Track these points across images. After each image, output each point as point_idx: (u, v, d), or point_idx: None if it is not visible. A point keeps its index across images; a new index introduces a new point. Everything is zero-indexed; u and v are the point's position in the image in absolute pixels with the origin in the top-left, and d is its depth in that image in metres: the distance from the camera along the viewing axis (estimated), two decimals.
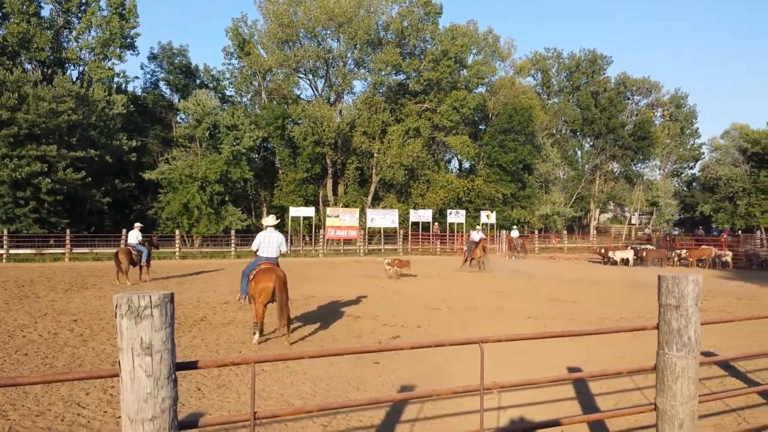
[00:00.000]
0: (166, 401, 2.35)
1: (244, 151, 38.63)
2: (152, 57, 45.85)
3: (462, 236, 41.02)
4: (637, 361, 3.04)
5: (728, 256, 28.15)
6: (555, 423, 3.23)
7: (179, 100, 42.66)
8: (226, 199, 38.08)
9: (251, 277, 9.70)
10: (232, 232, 34.85)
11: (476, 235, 26.26)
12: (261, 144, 43.26)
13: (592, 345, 9.12)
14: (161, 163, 38.09)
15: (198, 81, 46.90)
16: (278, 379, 7.35)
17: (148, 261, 19.19)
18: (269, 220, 10.36)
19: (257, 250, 10.06)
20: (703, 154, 68.96)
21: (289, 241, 36.52)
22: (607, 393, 6.76)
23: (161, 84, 47.13)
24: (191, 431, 2.67)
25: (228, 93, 47.84)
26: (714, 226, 58.10)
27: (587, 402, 6.50)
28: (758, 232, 50.37)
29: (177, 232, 33.51)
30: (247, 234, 38.06)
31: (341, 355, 8.34)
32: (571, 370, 7.64)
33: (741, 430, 5.10)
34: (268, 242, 10.03)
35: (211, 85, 46.56)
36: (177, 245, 32.17)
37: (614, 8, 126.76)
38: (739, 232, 49.56)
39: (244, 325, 11.19)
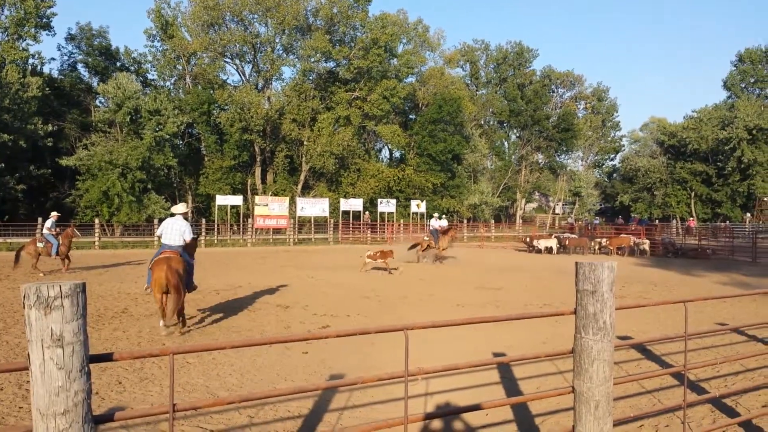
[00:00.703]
0: (78, 395, 2.20)
1: (168, 137, 37.44)
2: (70, 38, 43.79)
3: (392, 225, 41.31)
4: (560, 346, 3.11)
5: (646, 244, 29.45)
6: (478, 407, 3.24)
7: (98, 84, 40.88)
8: (149, 186, 36.91)
9: (151, 266, 9.51)
10: (155, 221, 33.74)
11: (437, 222, 24.18)
12: (185, 130, 42.08)
13: (517, 331, 9.30)
14: (79, 148, 36.48)
15: (119, 64, 45.09)
16: (204, 372, 7.13)
17: (57, 253, 18.08)
18: (178, 207, 10.20)
19: (161, 237, 9.90)
20: (623, 146, 72.05)
21: (216, 230, 36.03)
22: (531, 377, 6.88)
23: (79, 66, 45.16)
24: (108, 425, 2.50)
25: (150, 77, 46.23)
26: (632, 215, 60.87)
27: (511, 386, 6.60)
28: (674, 222, 53.12)
29: (96, 220, 32.17)
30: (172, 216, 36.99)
31: (266, 345, 8.21)
32: (497, 355, 7.75)
33: (655, 410, 5.29)
34: (171, 230, 9.75)
35: (133, 68, 44.83)
36: (96, 234, 30.92)
37: (540, 2, 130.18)
38: (656, 221, 52.09)
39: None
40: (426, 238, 24.02)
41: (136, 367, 7.18)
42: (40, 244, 17.81)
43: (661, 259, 27.71)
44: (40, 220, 29.11)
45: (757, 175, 55.08)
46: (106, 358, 2.57)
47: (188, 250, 10.12)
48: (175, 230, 9.75)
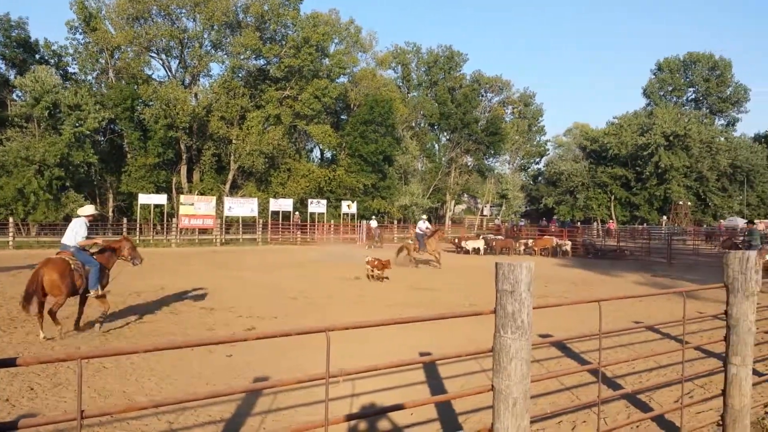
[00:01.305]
0: None
1: (88, 133, 35.91)
2: None
3: (323, 226, 41.05)
4: (484, 345, 3.13)
5: (568, 246, 30.43)
6: (401, 407, 3.21)
7: (15, 77, 38.67)
8: (68, 184, 35.31)
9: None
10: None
11: (423, 225, 23.17)
12: (107, 126, 40.44)
13: (444, 331, 9.38)
14: None
15: (38, 56, 42.78)
16: (121, 376, 6.88)
17: None
18: (83, 209, 10.05)
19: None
20: (548, 150, 74.40)
21: (138, 230, 34.78)
22: (456, 376, 6.94)
23: None
24: None
25: (71, 70, 44.13)
26: (556, 217, 62.82)
27: (437, 385, 6.65)
28: (595, 224, 55.17)
29: (11, 219, 30.46)
30: (91, 222, 35.50)
31: (189, 348, 7.96)
32: (423, 355, 7.79)
33: (573, 406, 5.43)
34: (68, 230, 9.67)
35: (53, 61, 42.68)
36: (11, 234, 29.30)
37: (471, 8, 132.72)
38: (578, 223, 53.95)
39: (86, 319, 10.34)
40: (410, 241, 23.65)
41: (49, 373, 6.89)
42: None
43: (582, 259, 28.69)
44: None
45: (673, 180, 57.98)
46: (9, 363, 2.41)
47: (119, 253, 10.14)
48: (70, 230, 9.63)
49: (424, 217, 25.07)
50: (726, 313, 4.57)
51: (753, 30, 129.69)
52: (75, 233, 9.52)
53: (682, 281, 18.22)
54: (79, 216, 9.83)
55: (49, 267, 8.99)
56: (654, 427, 5.37)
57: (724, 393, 4.59)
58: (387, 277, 17.35)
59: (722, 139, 62.47)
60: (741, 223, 49.96)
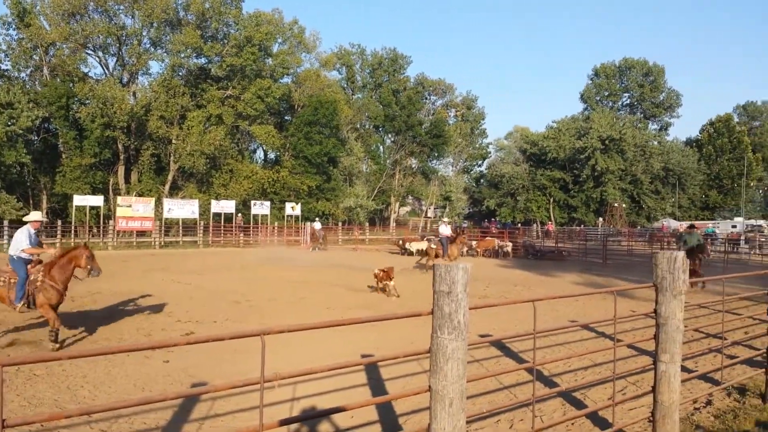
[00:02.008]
0: None
1: (21, 132, 34.43)
2: None
3: (266, 228, 40.55)
4: (425, 346, 3.17)
5: (509, 247, 31.02)
6: (341, 409, 3.22)
7: None
8: None
9: None
10: (5, 223, 30.91)
11: (446, 229, 21.78)
12: (41, 125, 38.86)
13: (386, 333, 9.43)
14: None
15: None
16: (53, 384, 6.66)
17: None
18: (30, 215, 9.80)
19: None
20: (490, 153, 75.54)
21: (73, 232, 33.58)
22: (397, 377, 6.99)
23: None
24: None
25: (3, 67, 42.18)
26: (497, 219, 63.87)
27: (378, 387, 6.68)
28: (534, 225, 56.38)
29: None
30: (22, 224, 34.07)
31: (124, 354, 7.76)
32: (365, 357, 7.82)
33: (510, 404, 5.54)
34: (13, 239, 9.39)
35: None
36: None
37: (414, 10, 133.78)
38: (519, 224, 55.03)
39: (10, 326, 9.97)
40: (433, 246, 21.94)
41: None
42: None
43: (523, 260, 29.28)
44: None
45: (609, 183, 59.79)
46: None
47: (75, 263, 9.36)
48: (15, 240, 9.31)
49: (446, 220, 23.69)
50: (655, 311, 4.72)
51: (685, 36, 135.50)
52: (17, 241, 9.19)
53: (616, 281, 18.82)
54: (24, 223, 9.53)
55: None
56: (588, 423, 5.53)
57: (654, 390, 4.75)
58: (396, 294, 14.71)
59: (655, 143, 64.79)
60: (674, 224, 52.06)
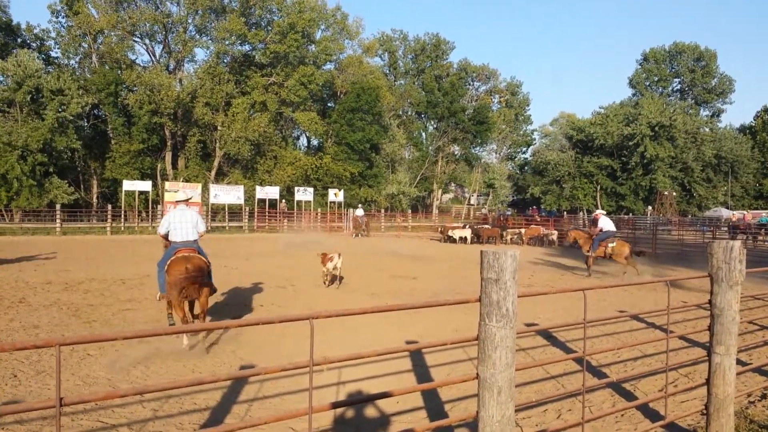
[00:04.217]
0: None
1: (71, 118, 35.53)
2: None
3: (309, 214, 40.89)
4: (470, 334, 3.13)
5: (554, 235, 30.55)
6: (387, 395, 3.19)
7: None
8: (51, 170, 34.96)
9: (167, 268, 7.92)
10: (58, 207, 31.96)
11: (608, 224, 17.39)
12: (91, 111, 40.06)
13: (429, 320, 9.38)
14: None
15: (19, 40, 42.17)
16: (106, 365, 6.81)
17: None
18: (178, 195, 8.69)
19: (167, 235, 8.29)
20: (534, 139, 74.44)
21: (123, 217, 34.48)
22: (442, 364, 6.93)
23: None
24: (2, 420, 2.26)
25: (54, 54, 43.57)
26: (542, 207, 62.97)
27: (423, 374, 6.64)
28: (580, 214, 55.43)
29: None
30: (75, 209, 35.20)
31: (174, 336, 7.91)
32: (409, 343, 7.78)
33: (558, 394, 5.44)
34: (181, 223, 8.18)
35: (35, 44, 42.11)
36: None
37: None
38: (564, 213, 54.19)
39: (69, 306, 10.29)
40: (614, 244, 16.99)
41: (33, 360, 6.85)
42: None
43: (568, 249, 28.77)
44: None
45: (658, 170, 58.28)
46: None
47: None
48: (186, 222, 8.24)
49: (603, 212, 19.41)
50: (710, 302, 4.57)
51: (738, 20, 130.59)
52: (194, 225, 8.37)
53: (666, 271, 18.35)
54: (177, 203, 8.58)
55: (196, 263, 7.86)
56: (639, 415, 5.39)
57: (708, 382, 4.60)
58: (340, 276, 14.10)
59: (707, 129, 62.87)
60: (726, 213, 50.44)
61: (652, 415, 5.33)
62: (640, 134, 57.61)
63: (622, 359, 7.34)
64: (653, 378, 6.44)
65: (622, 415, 5.37)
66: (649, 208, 56.88)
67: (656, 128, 57.46)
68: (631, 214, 56.86)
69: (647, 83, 69.06)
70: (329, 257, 13.53)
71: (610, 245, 16.33)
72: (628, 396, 5.94)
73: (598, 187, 62.22)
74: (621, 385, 6.24)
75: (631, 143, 58.82)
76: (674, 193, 58.05)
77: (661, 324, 9.15)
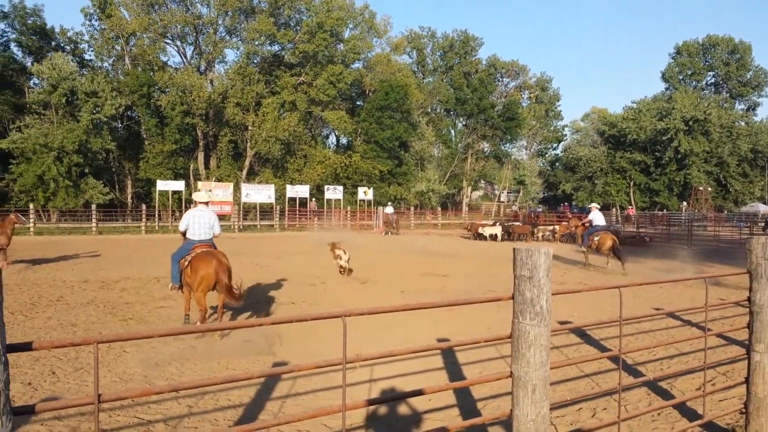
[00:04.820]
0: None
1: (106, 119, 36.28)
2: (2, 16, 41.49)
3: (339, 212, 41.06)
4: (502, 331, 3.12)
5: None
6: (420, 392, 3.19)
7: (32, 64, 38.91)
8: (86, 171, 35.72)
9: (186, 263, 8.39)
10: (93, 207, 32.64)
11: (600, 218, 18.40)
12: (124, 113, 40.82)
13: (461, 317, 9.34)
14: (12, 131, 34.87)
15: (54, 43, 43.12)
16: (142, 361, 6.95)
17: None
18: (201, 195, 9.06)
19: (185, 232, 8.76)
20: (565, 135, 73.53)
21: (157, 216, 35.07)
22: (474, 362, 6.92)
23: (12, 46, 42.87)
24: (40, 416, 2.32)
25: (87, 57, 44.43)
26: (573, 203, 62.21)
27: (455, 372, 6.62)
28: (613, 210, 54.64)
29: (31, 206, 31.01)
30: (110, 209, 35.91)
31: (209, 334, 8.02)
32: (440, 341, 7.77)
33: (593, 393, 5.37)
34: (199, 223, 8.68)
35: (69, 48, 42.99)
36: (32, 220, 29.76)
37: None
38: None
39: (105, 305, 10.51)
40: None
41: (71, 357, 6.99)
42: None
43: None
44: None
45: (693, 165, 57.15)
46: (25, 347, 2.41)
47: None
48: (203, 223, 8.72)
49: (596, 206, 19.38)
50: (749, 299, 4.48)
51: None
52: (210, 225, 8.85)
53: (702, 267, 17.99)
54: (198, 203, 8.97)
55: (222, 261, 8.36)
56: (675, 414, 5.30)
57: (747, 381, 4.51)
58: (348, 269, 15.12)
59: (743, 123, 61.41)
60: (763, 209, 49.25)
61: (690, 414, 5.24)
62: (673, 129, 56.57)
63: (657, 357, 7.23)
64: (690, 376, 6.34)
65: (659, 414, 5.29)
66: (684, 203, 55.81)
67: (690, 122, 56.34)
68: (665, 210, 55.85)
69: (680, 77, 67.64)
70: (337, 253, 15.03)
71: (596, 238, 17.66)
72: (665, 395, 5.84)
73: (631, 183, 61.26)
74: (657, 383, 6.14)
75: (664, 138, 57.78)
76: (709, 189, 56.81)
77: (698, 321, 8.98)
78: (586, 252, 18.34)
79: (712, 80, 68.34)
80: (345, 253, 15.06)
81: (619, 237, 31.06)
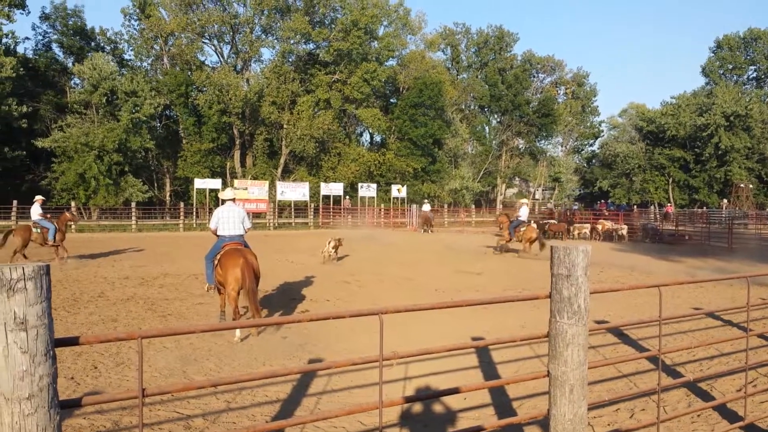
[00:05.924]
0: (44, 379, 2.14)
1: (145, 118, 37.02)
2: (44, 17, 42.69)
3: (373, 210, 41.18)
4: (537, 330, 3.12)
5: (624, 230, 29.68)
6: (456, 390, 3.22)
7: (74, 64, 39.90)
8: (126, 169, 36.46)
9: (216, 262, 8.51)
10: (133, 205, 33.39)
11: (525, 212, 21.05)
12: (163, 112, 41.58)
13: (496, 316, 9.31)
14: (55, 130, 35.76)
15: (94, 44, 44.16)
16: (181, 356, 7.08)
17: (54, 238, 16.48)
18: (227, 193, 9.23)
19: (216, 230, 8.86)
20: (602, 131, 72.31)
21: (194, 214, 35.67)
22: (509, 361, 6.88)
23: (54, 46, 44.05)
24: (83, 410, 2.42)
25: (127, 57, 45.37)
26: (610, 200, 61.20)
27: (490, 370, 6.61)
28: (652, 207, 53.60)
29: (73, 203, 31.85)
30: (149, 206, 36.64)
31: (246, 330, 8.16)
32: (475, 339, 7.76)
33: (631, 393, 5.33)
34: (229, 219, 8.77)
35: (109, 48, 43.97)
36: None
37: None
38: (634, 206, 52.53)
39: (145, 301, 10.74)
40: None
41: (112, 352, 7.13)
42: (35, 230, 16.23)
43: (639, 244, 27.97)
44: (15, 203, 28.74)
45: (734, 162, 55.71)
46: (72, 341, 2.50)
47: None
48: (234, 218, 8.81)
49: (525, 201, 23.32)
50: None
51: None
52: (241, 220, 8.90)
53: (744, 267, 17.57)
54: (225, 201, 9.10)
55: (249, 259, 8.31)
56: (716, 416, 5.22)
57: None
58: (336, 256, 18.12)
59: None
60: None
61: (730, 416, 5.16)
62: (714, 124, 55.18)
63: (697, 358, 7.11)
64: (731, 378, 6.22)
65: (699, 416, 5.22)
66: (725, 201, 54.42)
67: (731, 118, 54.88)
68: (705, 207, 54.58)
69: (721, 71, 65.86)
70: (332, 244, 17.77)
71: (522, 229, 20.32)
72: (705, 396, 5.76)
73: (670, 180, 59.99)
74: (697, 384, 6.06)
75: (704, 134, 56.40)
76: (751, 186, 55.24)
77: (739, 321, 8.80)
78: (509, 242, 21.22)
79: (754, 74, 66.38)
80: (329, 243, 17.82)
81: (658, 235, 30.67)
